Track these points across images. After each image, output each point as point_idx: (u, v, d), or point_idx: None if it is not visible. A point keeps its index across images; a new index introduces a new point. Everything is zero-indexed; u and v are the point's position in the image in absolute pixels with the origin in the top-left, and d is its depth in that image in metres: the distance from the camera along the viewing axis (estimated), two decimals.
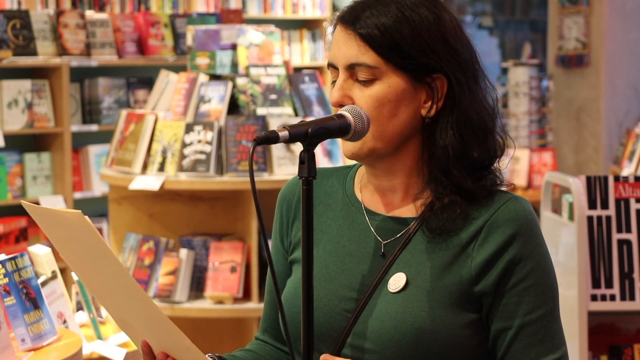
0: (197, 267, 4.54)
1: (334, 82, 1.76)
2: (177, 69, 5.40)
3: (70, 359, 2.75)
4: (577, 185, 3.42)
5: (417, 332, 1.68)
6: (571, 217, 3.57)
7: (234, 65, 4.65)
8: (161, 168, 4.52)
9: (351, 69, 1.73)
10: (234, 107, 4.60)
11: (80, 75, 6.58)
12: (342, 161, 4.68)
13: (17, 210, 6.08)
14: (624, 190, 3.41)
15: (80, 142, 6.59)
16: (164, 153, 4.53)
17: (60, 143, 6.26)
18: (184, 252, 4.51)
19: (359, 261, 1.77)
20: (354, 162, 1.86)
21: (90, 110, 6.59)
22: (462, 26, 1.77)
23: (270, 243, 1.93)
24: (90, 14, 6.60)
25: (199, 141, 4.46)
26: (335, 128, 1.68)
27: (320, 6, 8.53)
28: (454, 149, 1.73)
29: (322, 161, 4.57)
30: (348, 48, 1.73)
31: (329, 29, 1.81)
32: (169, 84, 4.84)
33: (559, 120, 8.35)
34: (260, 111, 4.56)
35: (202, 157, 4.44)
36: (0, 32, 6.00)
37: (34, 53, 6.15)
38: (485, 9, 14.11)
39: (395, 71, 1.72)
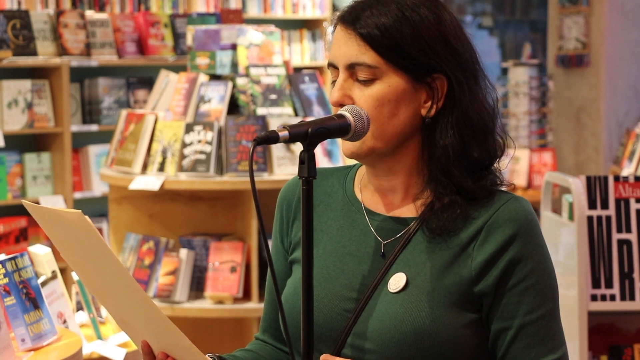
0: (197, 267, 4.54)
1: (334, 82, 1.76)
2: (177, 69, 5.40)
3: (70, 359, 2.75)
4: (577, 185, 3.42)
5: (417, 332, 1.68)
6: (571, 217, 3.57)
7: (234, 65, 4.65)
8: (161, 168, 4.53)
9: (351, 68, 1.73)
10: (234, 107, 4.60)
11: (80, 75, 6.58)
12: (342, 161, 4.68)
13: (17, 210, 6.08)
14: (624, 190, 3.41)
15: (80, 142, 6.59)
16: (164, 153, 4.53)
17: (60, 143, 6.26)
18: (184, 252, 4.51)
19: (359, 261, 1.77)
20: (354, 162, 1.86)
21: (90, 110, 6.59)
22: (462, 26, 1.78)
23: (270, 243, 1.93)
24: (90, 14, 6.60)
25: (199, 141, 4.46)
26: (335, 128, 1.68)
27: (320, 6, 8.54)
28: (454, 148, 1.73)
29: (322, 161, 4.57)
30: (348, 48, 1.73)
31: (329, 29, 1.81)
32: (169, 84, 4.84)
33: (559, 120, 8.35)
34: (260, 111, 4.56)
35: (202, 157, 4.44)
36: (0, 32, 6.00)
37: (34, 53, 6.15)
38: (485, 9, 14.10)
39: (396, 71, 1.72)
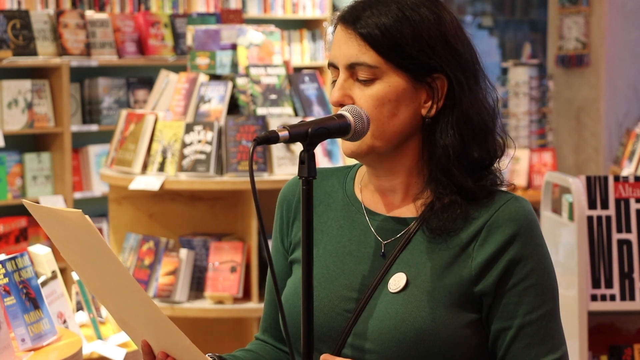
0: (197, 267, 4.54)
1: (334, 82, 1.76)
2: (177, 69, 5.40)
3: (70, 359, 2.75)
4: (577, 185, 3.42)
5: (418, 332, 1.68)
6: (571, 217, 3.57)
7: (234, 65, 4.65)
8: (161, 168, 4.53)
9: (351, 68, 1.73)
10: (234, 107, 4.60)
11: (80, 75, 6.58)
12: (342, 161, 4.68)
13: (17, 210, 6.09)
14: (624, 190, 3.41)
15: (80, 142, 6.59)
16: (164, 153, 4.53)
17: (60, 143, 6.26)
18: (184, 252, 4.51)
19: (359, 261, 1.77)
20: (354, 162, 1.86)
21: (90, 110, 6.59)
22: (462, 26, 1.78)
23: (270, 243, 1.93)
24: (90, 14, 6.60)
25: (199, 141, 4.46)
26: (335, 128, 1.68)
27: (320, 6, 8.54)
28: (454, 148, 1.73)
29: (322, 161, 4.57)
30: (348, 48, 1.73)
31: (330, 29, 1.81)
32: (169, 84, 4.84)
33: (559, 120, 8.35)
34: (260, 111, 4.56)
35: (202, 157, 4.44)
36: (0, 32, 6.00)
37: (34, 53, 6.15)
38: (485, 9, 14.10)
39: (396, 71, 1.72)
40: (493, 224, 1.72)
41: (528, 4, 13.71)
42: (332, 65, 1.77)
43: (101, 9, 7.09)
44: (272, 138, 1.62)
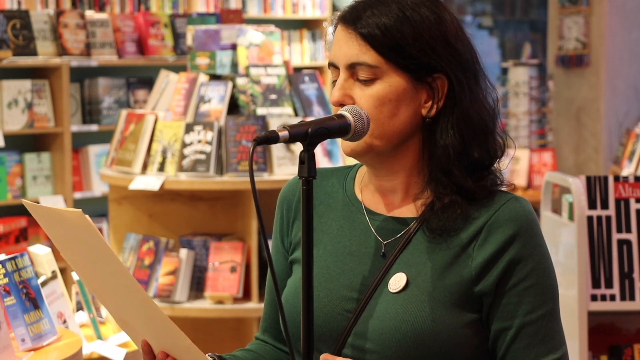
0: (197, 267, 4.54)
1: (334, 82, 1.76)
2: (177, 69, 5.40)
3: (70, 359, 2.75)
4: (577, 185, 3.42)
5: (418, 332, 1.68)
6: (571, 217, 3.57)
7: (234, 65, 4.65)
8: (161, 168, 4.53)
9: (352, 68, 1.73)
10: (234, 107, 4.60)
11: (80, 75, 6.58)
12: (342, 161, 4.68)
13: (17, 210, 6.09)
14: (624, 190, 3.41)
15: (80, 142, 6.59)
16: (164, 153, 4.53)
17: (60, 143, 6.26)
18: (184, 252, 4.51)
19: (360, 261, 1.77)
20: (354, 162, 1.86)
21: (90, 110, 6.59)
22: (462, 26, 1.78)
23: (270, 243, 1.93)
24: (90, 14, 6.60)
25: (199, 141, 4.46)
26: (335, 128, 1.68)
27: (320, 6, 8.54)
28: (455, 148, 1.73)
29: (322, 161, 4.57)
30: (349, 47, 1.73)
31: (330, 29, 1.81)
32: (169, 84, 4.84)
33: (559, 120, 8.35)
34: (260, 111, 4.56)
35: (202, 157, 4.44)
36: (0, 32, 6.00)
37: (34, 53, 6.15)
38: (485, 9, 14.10)
39: (396, 71, 1.72)
40: (493, 224, 1.72)
41: (528, 4, 13.71)
42: (332, 65, 1.77)
43: (101, 9, 7.09)
44: (272, 138, 1.62)
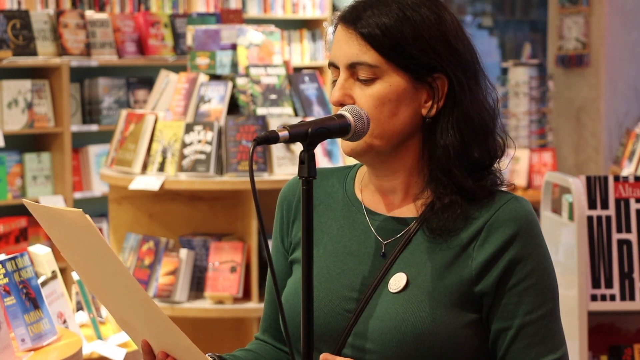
0: (197, 267, 4.54)
1: (334, 82, 1.76)
2: (177, 69, 5.40)
3: (70, 359, 2.75)
4: (577, 185, 3.42)
5: (418, 332, 1.68)
6: (571, 217, 3.57)
7: (234, 65, 4.65)
8: (161, 168, 4.53)
9: (352, 68, 1.73)
10: (234, 107, 4.60)
11: (80, 75, 6.58)
12: (342, 161, 4.68)
13: (17, 210, 6.08)
14: (624, 190, 3.41)
15: (80, 142, 6.59)
16: (164, 153, 4.53)
17: (60, 143, 6.26)
18: (184, 252, 4.51)
19: (360, 261, 1.77)
20: (354, 162, 1.86)
21: (90, 110, 6.59)
22: (462, 26, 1.78)
23: (270, 243, 1.93)
24: (90, 14, 6.60)
25: (199, 141, 4.46)
26: (335, 128, 1.69)
27: (320, 6, 8.54)
28: (455, 148, 1.73)
29: (322, 161, 4.57)
30: (349, 47, 1.73)
31: (330, 29, 1.81)
32: (169, 84, 4.84)
33: (559, 120, 8.35)
34: (260, 111, 4.56)
35: (202, 157, 4.44)
36: (0, 32, 6.00)
37: (34, 53, 6.15)
38: (485, 9, 14.10)
39: (396, 70, 1.72)
40: (493, 224, 1.72)
41: (528, 4, 13.71)
42: (332, 64, 1.77)
43: (101, 9, 7.09)
44: (272, 138, 1.62)
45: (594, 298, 3.36)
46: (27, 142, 6.33)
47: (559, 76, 8.33)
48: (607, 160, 8.04)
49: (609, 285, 3.36)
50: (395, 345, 1.68)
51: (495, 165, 1.78)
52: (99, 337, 3.31)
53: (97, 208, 6.58)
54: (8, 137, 6.00)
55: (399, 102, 1.72)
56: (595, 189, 3.41)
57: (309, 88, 4.75)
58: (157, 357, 1.73)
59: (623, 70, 8.18)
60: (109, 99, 6.58)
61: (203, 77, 4.64)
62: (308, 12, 8.51)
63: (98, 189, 6.56)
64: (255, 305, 4.42)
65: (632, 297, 3.36)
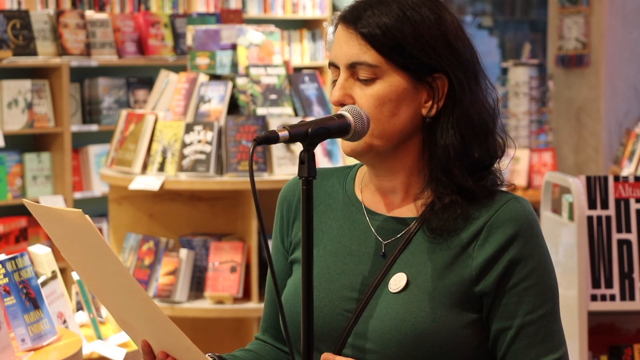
0: (197, 267, 4.54)
1: (334, 82, 1.76)
2: (177, 69, 5.40)
3: (70, 359, 2.75)
4: (577, 185, 3.42)
5: (418, 332, 1.68)
6: (571, 217, 3.57)
7: (234, 65, 4.65)
8: (161, 168, 4.53)
9: (352, 67, 1.73)
10: (234, 107, 4.60)
11: (80, 75, 6.58)
12: (342, 161, 4.68)
13: (17, 210, 6.08)
14: (624, 190, 3.41)
15: (80, 142, 6.59)
16: (164, 153, 4.53)
17: (60, 143, 6.26)
18: (184, 252, 4.51)
19: (360, 261, 1.77)
20: (354, 162, 1.86)
21: (90, 110, 6.59)
22: (462, 26, 1.78)
23: (270, 243, 1.93)
24: (90, 14, 6.60)
25: (199, 141, 4.46)
26: (335, 128, 1.69)
27: (320, 6, 8.54)
28: (455, 148, 1.73)
29: (322, 161, 4.57)
30: (349, 47, 1.73)
31: (330, 29, 1.81)
32: (169, 84, 4.84)
33: (559, 120, 8.35)
34: (260, 111, 4.56)
35: (202, 157, 4.44)
36: (0, 32, 6.00)
37: (34, 53, 6.15)
38: (485, 9, 14.11)
39: (397, 70, 1.72)
40: (493, 224, 1.72)
41: (528, 4, 13.71)
42: (332, 64, 1.77)
43: (101, 9, 7.09)
44: (272, 138, 1.62)
45: (594, 298, 3.36)
46: (27, 142, 6.33)
47: (559, 76, 8.34)
48: (607, 160, 8.04)
49: (609, 285, 3.36)
50: (395, 345, 1.68)
51: (495, 165, 1.78)
52: (99, 337, 3.31)
53: (97, 208, 6.58)
54: (8, 137, 6.00)
55: (399, 102, 1.72)
56: (595, 189, 3.41)
57: (309, 88, 4.75)
58: (157, 357, 1.73)
59: (623, 70, 8.18)
60: (109, 99, 6.58)
61: (203, 77, 4.64)
62: (308, 12, 8.52)
63: (98, 189, 6.56)
64: (255, 305, 4.42)
65: (632, 297, 3.36)
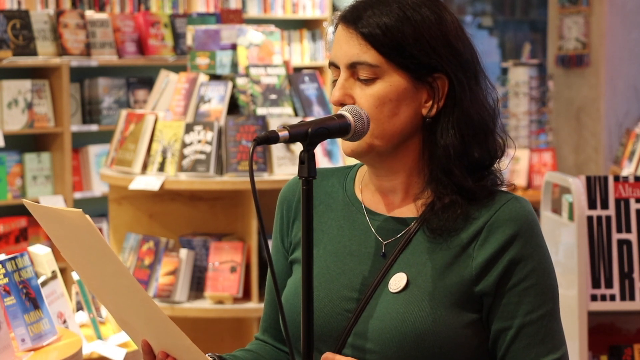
0: (197, 267, 4.54)
1: (334, 82, 1.76)
2: (177, 69, 5.40)
3: (70, 359, 2.75)
4: (577, 185, 3.42)
5: (418, 332, 1.68)
6: (571, 217, 3.57)
7: (234, 65, 4.65)
8: (161, 168, 4.53)
9: (352, 67, 1.73)
10: (234, 107, 4.60)
11: (80, 75, 6.58)
12: (342, 161, 4.68)
13: (17, 210, 6.08)
14: (623, 190, 3.41)
15: (80, 142, 6.59)
16: (164, 153, 4.53)
17: (60, 143, 6.26)
18: (184, 252, 4.51)
19: (360, 261, 1.77)
20: (354, 162, 1.86)
21: (90, 110, 6.59)
22: (463, 26, 1.78)
23: (270, 243, 1.93)
24: (90, 14, 6.60)
25: (199, 141, 4.46)
26: (335, 128, 1.69)
27: (320, 6, 8.54)
28: (455, 148, 1.73)
29: (322, 161, 4.57)
30: (350, 47, 1.73)
31: (330, 29, 1.81)
32: (169, 84, 4.84)
33: (559, 120, 8.35)
34: (260, 111, 4.56)
35: (202, 157, 4.44)
36: (0, 32, 6.00)
37: (34, 53, 6.15)
38: (485, 9, 14.11)
39: (397, 70, 1.72)
40: (493, 224, 1.72)
41: (528, 4, 13.71)
42: (332, 64, 1.77)
43: (101, 9, 7.09)
44: (272, 138, 1.62)
45: (594, 298, 3.36)
46: (27, 142, 6.33)
47: (559, 76, 8.33)
48: (607, 160, 8.04)
49: (609, 285, 3.36)
50: (395, 345, 1.68)
51: (495, 165, 1.78)
52: (99, 337, 3.31)
53: (97, 208, 6.58)
54: (8, 137, 6.00)
55: (399, 102, 1.72)
56: (595, 189, 3.41)
57: (309, 88, 4.75)
58: (157, 357, 1.73)
59: (623, 70, 8.18)
60: (109, 99, 6.58)
61: (203, 77, 4.64)
62: (308, 12, 8.52)
63: (98, 189, 6.56)
64: (255, 305, 4.42)
65: (632, 297, 3.36)
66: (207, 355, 1.73)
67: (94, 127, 6.52)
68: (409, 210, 1.78)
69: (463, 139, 1.73)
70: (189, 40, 4.85)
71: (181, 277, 4.47)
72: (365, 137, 1.72)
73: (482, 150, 1.75)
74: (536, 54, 11.01)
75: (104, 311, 3.42)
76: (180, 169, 4.46)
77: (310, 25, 8.61)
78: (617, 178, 3.42)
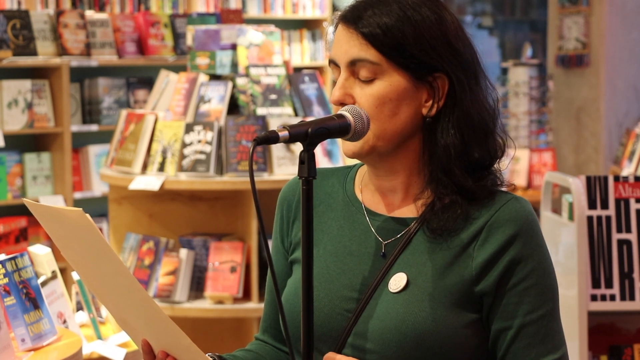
0: (197, 267, 4.54)
1: (335, 82, 1.76)
2: (177, 69, 5.40)
3: (70, 359, 2.75)
4: (577, 185, 3.42)
5: (418, 332, 1.68)
6: (571, 217, 3.57)
7: (234, 65, 4.65)
8: (161, 168, 4.53)
9: (353, 65, 1.73)
10: (234, 107, 4.60)
11: (80, 75, 6.58)
12: (342, 161, 4.68)
13: (17, 210, 6.09)
14: (623, 190, 3.41)
15: (80, 142, 6.59)
16: (164, 153, 4.53)
17: (60, 143, 6.26)
18: (184, 252, 4.51)
19: (360, 261, 1.77)
20: (354, 162, 1.86)
21: (90, 110, 6.59)
22: (463, 26, 1.78)
23: (270, 243, 1.93)
24: (90, 14, 6.60)
25: (199, 141, 4.46)
26: (335, 128, 1.69)
27: (320, 6, 8.54)
28: (455, 148, 1.73)
29: (322, 161, 4.57)
30: (350, 46, 1.73)
31: (330, 28, 1.81)
32: (169, 84, 4.84)
33: (559, 120, 8.35)
34: (260, 111, 4.56)
35: (202, 157, 4.44)
36: (0, 32, 6.00)
37: (34, 53, 6.15)
38: (485, 9, 14.11)
39: (397, 70, 1.72)
40: (494, 224, 1.72)
41: (528, 4, 13.71)
42: (333, 63, 1.77)
43: (101, 9, 7.09)
44: (272, 138, 1.62)
45: (594, 298, 3.36)
46: (27, 142, 6.33)
47: (559, 76, 8.33)
48: (607, 160, 8.04)
49: (609, 285, 3.36)
50: (395, 345, 1.68)
51: (495, 165, 1.78)
52: (99, 337, 3.31)
53: (97, 208, 6.58)
54: (8, 137, 6.00)
55: (399, 101, 1.72)
56: (595, 189, 3.41)
57: (309, 88, 4.75)
58: (157, 356, 1.73)
59: (623, 70, 8.18)
60: (109, 99, 6.58)
61: (203, 77, 4.64)
62: (308, 12, 8.52)
63: (98, 189, 6.56)
64: (255, 305, 4.42)
65: (632, 297, 3.36)
66: (207, 355, 1.73)
67: (94, 127, 6.52)
68: (409, 210, 1.78)
69: (463, 138, 1.73)
70: (189, 40, 4.85)
71: (181, 277, 4.47)
72: (367, 139, 1.72)
73: (482, 150, 1.75)
74: (536, 54, 11.02)
75: (104, 311, 3.42)
76: (180, 169, 4.46)
77: (310, 25, 8.61)
78: (617, 178, 3.42)
